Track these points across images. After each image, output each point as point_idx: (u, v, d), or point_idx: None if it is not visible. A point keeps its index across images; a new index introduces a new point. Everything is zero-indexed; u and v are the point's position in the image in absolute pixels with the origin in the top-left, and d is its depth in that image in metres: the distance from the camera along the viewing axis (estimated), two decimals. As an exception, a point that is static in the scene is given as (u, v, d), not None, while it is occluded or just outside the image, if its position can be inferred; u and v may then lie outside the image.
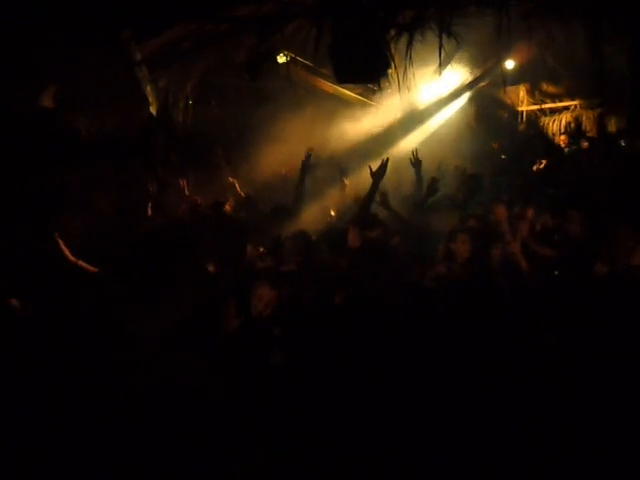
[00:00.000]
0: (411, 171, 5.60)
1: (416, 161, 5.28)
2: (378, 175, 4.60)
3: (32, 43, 4.56)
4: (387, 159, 4.65)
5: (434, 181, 4.95)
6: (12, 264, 3.52)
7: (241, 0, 5.14)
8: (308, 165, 5.00)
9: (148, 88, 5.40)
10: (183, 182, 5.01)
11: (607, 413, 2.53)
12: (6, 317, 3.16)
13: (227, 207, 5.13)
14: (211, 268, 3.92)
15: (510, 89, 8.04)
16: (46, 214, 4.09)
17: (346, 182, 6.16)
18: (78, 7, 4.61)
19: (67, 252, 3.52)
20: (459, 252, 3.85)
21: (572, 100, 8.14)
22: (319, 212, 5.21)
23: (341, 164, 6.31)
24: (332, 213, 5.29)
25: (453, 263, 3.78)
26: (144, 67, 5.30)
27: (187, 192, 4.79)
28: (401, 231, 4.46)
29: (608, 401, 2.56)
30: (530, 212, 4.45)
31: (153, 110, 5.52)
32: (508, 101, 8.59)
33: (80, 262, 3.53)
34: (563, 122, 8.29)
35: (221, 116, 6.98)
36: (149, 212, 4.77)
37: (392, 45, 4.70)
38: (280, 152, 6.02)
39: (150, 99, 5.43)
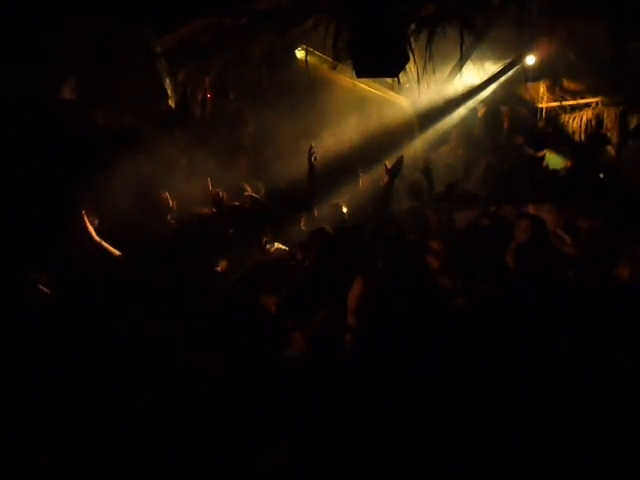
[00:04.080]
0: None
1: (426, 169, 5.26)
2: (393, 172, 4.59)
3: (52, 36, 4.59)
4: (402, 156, 4.64)
5: (452, 185, 4.97)
6: (33, 250, 3.58)
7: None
8: (311, 162, 4.98)
9: (167, 81, 5.41)
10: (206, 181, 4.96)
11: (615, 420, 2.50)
12: (24, 298, 3.21)
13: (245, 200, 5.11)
14: (222, 265, 3.94)
15: (530, 85, 7.95)
16: (67, 204, 4.14)
17: (361, 176, 6.14)
18: (96, 3, 4.64)
19: (92, 231, 3.56)
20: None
21: (593, 97, 8.01)
22: (332, 209, 5.19)
23: (356, 158, 6.29)
24: (344, 210, 5.24)
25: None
26: (163, 60, 5.31)
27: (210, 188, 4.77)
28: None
29: (615, 406, 2.53)
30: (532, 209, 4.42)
31: (172, 103, 5.54)
32: (528, 97, 8.49)
33: (103, 243, 3.57)
34: (584, 119, 8.17)
35: (239, 110, 6.99)
36: (169, 205, 4.80)
37: (412, 39, 4.67)
38: (298, 146, 6.00)
39: (169, 92, 5.45)
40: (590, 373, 2.64)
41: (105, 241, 3.64)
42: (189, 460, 2.55)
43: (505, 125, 7.72)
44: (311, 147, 4.89)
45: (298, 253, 4.14)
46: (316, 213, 4.94)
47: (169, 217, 4.78)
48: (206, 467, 2.56)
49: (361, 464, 2.52)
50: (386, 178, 4.47)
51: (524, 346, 2.72)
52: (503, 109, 7.49)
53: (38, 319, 3.07)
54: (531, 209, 4.64)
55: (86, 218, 3.57)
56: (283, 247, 4.45)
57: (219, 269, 3.93)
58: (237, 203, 4.89)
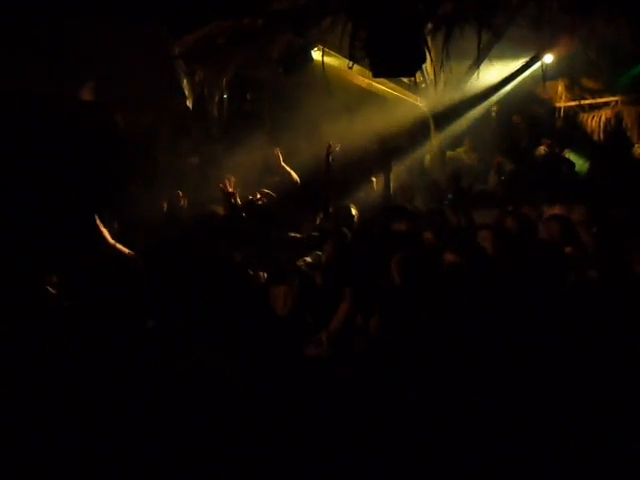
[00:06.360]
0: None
1: (455, 175, 5.21)
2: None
3: (70, 35, 4.65)
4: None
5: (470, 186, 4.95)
6: (50, 248, 3.62)
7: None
8: (329, 161, 4.99)
9: (185, 82, 5.47)
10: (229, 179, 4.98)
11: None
12: (39, 297, 3.26)
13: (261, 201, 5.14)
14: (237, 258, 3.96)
15: (548, 84, 7.85)
16: (84, 205, 4.18)
17: (374, 179, 6.14)
18: (112, 3, 4.69)
19: (106, 234, 3.60)
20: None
21: (613, 96, 7.90)
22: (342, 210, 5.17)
23: (372, 159, 6.28)
24: (354, 212, 5.21)
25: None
26: (181, 61, 5.36)
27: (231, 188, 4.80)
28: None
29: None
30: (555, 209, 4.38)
31: (190, 104, 5.59)
32: (545, 96, 8.40)
33: (118, 245, 3.61)
34: (603, 119, 8.07)
35: (256, 110, 7.03)
36: (184, 204, 4.85)
37: (429, 38, 4.65)
38: (314, 146, 6.02)
39: (187, 93, 5.50)
40: (609, 366, 2.62)
41: (120, 243, 3.68)
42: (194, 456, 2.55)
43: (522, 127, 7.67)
44: (329, 147, 4.91)
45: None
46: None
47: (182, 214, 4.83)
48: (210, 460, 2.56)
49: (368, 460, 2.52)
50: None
51: (547, 348, 2.70)
52: (516, 119, 7.43)
53: (48, 320, 3.11)
54: (548, 209, 4.61)
55: (99, 221, 3.61)
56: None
57: (235, 264, 3.95)
58: (251, 199, 4.92)
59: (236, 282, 3.56)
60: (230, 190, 4.70)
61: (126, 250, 3.69)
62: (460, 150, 8.03)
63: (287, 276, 3.31)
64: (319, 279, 3.71)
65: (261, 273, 3.61)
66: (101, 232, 3.60)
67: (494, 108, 8.08)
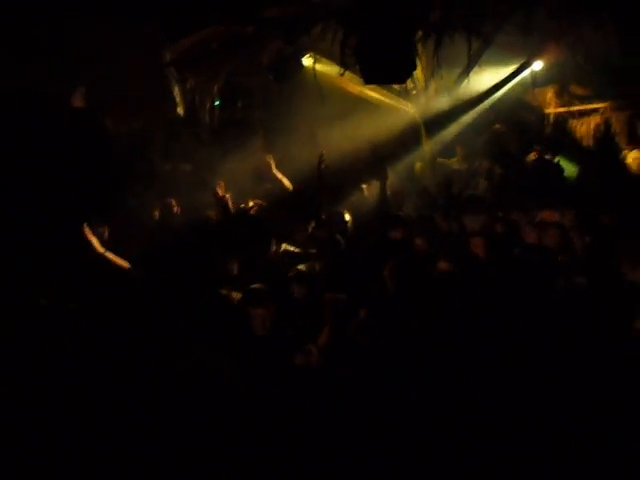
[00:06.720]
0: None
1: (447, 182, 5.25)
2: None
3: (72, 37, 4.64)
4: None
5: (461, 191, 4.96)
6: (42, 256, 3.61)
7: (268, 1, 5.16)
8: (321, 168, 5.01)
9: (176, 89, 5.47)
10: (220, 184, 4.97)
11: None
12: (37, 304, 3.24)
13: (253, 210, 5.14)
14: (234, 267, 3.96)
15: (538, 91, 7.92)
16: (74, 212, 4.17)
17: (364, 186, 6.15)
18: (110, 7, 4.69)
19: (95, 243, 3.59)
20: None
21: (602, 102, 7.97)
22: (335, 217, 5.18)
23: (363, 165, 6.30)
24: (347, 217, 5.21)
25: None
26: (172, 68, 5.36)
27: (221, 193, 4.79)
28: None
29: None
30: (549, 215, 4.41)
31: (181, 111, 5.59)
32: (535, 103, 8.46)
33: (107, 253, 3.60)
34: (592, 125, 8.12)
35: (247, 117, 7.03)
36: (178, 211, 4.84)
37: (419, 45, 4.68)
38: (306, 153, 6.03)
39: (178, 100, 5.50)
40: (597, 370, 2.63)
41: (112, 250, 3.67)
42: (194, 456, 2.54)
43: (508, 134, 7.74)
44: (322, 155, 4.93)
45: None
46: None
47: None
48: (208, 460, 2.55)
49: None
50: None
51: (538, 352, 2.72)
52: (500, 127, 7.52)
53: (48, 320, 3.10)
54: (539, 214, 4.64)
55: (87, 229, 3.60)
56: (291, 248, 4.47)
57: (231, 272, 3.94)
58: (243, 207, 4.92)
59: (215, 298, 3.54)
60: (221, 194, 4.71)
61: (116, 258, 3.67)
62: (453, 160, 8.06)
63: (264, 298, 3.23)
64: (298, 291, 3.67)
65: (235, 294, 3.51)
66: (89, 241, 3.59)
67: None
